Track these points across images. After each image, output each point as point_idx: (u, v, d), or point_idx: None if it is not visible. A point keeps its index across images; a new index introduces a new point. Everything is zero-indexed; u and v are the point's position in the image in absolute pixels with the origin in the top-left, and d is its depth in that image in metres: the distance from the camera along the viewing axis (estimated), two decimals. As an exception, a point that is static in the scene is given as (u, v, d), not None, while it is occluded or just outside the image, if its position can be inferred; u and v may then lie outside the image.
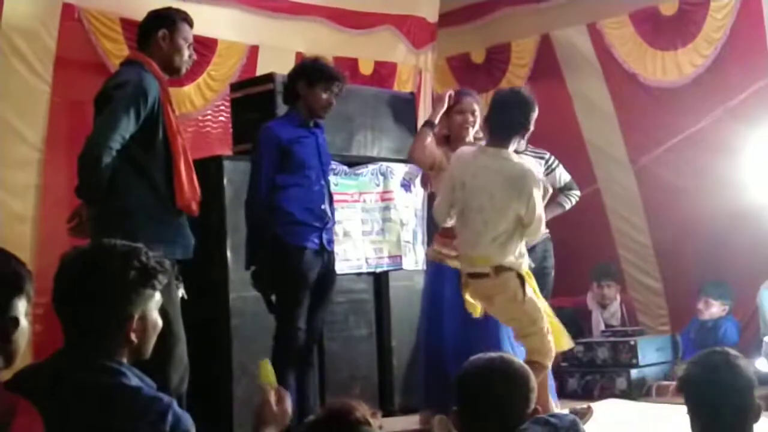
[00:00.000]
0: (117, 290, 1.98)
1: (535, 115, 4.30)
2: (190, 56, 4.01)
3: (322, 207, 4.32)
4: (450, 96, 4.90)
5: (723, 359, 2.44)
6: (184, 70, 4.08)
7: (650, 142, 6.45)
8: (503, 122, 4.27)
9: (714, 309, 6.09)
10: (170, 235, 3.72)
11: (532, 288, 4.31)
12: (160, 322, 2.06)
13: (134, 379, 1.96)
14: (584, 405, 4.67)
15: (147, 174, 3.74)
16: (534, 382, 2.29)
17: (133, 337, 1.99)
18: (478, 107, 4.86)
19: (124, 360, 2.00)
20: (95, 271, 1.98)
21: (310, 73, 4.33)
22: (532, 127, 4.33)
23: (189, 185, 3.83)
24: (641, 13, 6.51)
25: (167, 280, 2.05)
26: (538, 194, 4.20)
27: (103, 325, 1.97)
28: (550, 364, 4.25)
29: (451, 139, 4.84)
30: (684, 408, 2.48)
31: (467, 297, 4.36)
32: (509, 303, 4.23)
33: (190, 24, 3.99)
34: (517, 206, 4.16)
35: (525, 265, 4.32)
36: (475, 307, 4.38)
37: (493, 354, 2.40)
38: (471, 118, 4.83)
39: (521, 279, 4.22)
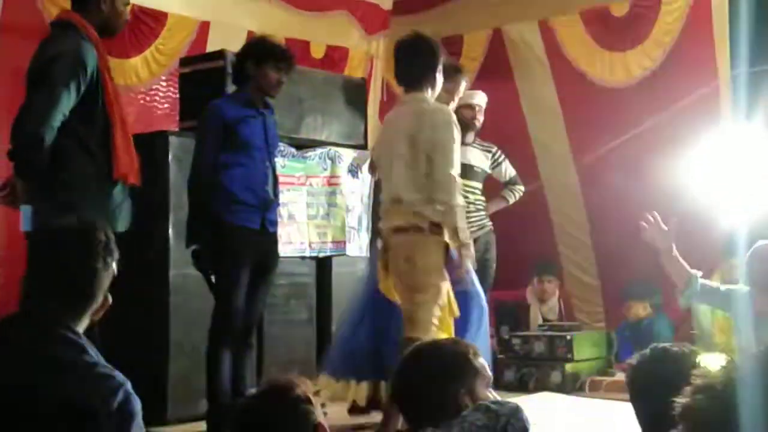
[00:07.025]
0: (94, 280, 2.01)
1: (442, 58, 4.18)
2: (126, 18, 3.94)
3: (266, 188, 4.28)
4: None
5: (667, 351, 2.46)
6: (118, 32, 4.00)
7: (594, 141, 6.50)
8: (412, 70, 4.18)
9: (637, 310, 6.19)
10: (110, 206, 3.66)
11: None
12: (109, 296, 2.09)
13: (92, 352, 1.96)
14: None
15: (86, 145, 3.65)
16: (476, 362, 2.25)
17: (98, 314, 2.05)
18: None
19: (80, 330, 2.00)
20: (68, 258, 2.01)
21: (259, 51, 4.29)
22: (440, 74, 4.16)
23: (126, 154, 3.74)
24: (592, 12, 6.56)
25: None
26: (451, 145, 3.93)
27: (70, 301, 2.00)
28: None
29: None
30: (614, 404, 2.50)
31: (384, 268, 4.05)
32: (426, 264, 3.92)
33: None
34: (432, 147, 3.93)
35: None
36: (391, 290, 4.11)
37: (428, 341, 2.40)
38: None
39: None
